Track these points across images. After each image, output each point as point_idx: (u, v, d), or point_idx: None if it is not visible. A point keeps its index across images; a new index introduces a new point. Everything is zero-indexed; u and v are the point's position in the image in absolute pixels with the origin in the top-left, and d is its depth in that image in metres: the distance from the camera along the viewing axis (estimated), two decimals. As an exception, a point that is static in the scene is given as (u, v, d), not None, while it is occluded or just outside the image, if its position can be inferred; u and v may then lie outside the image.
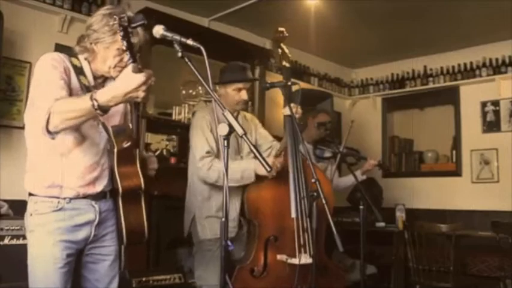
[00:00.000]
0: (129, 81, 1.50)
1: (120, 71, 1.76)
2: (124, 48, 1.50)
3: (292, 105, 2.60)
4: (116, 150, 1.77)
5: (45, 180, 1.76)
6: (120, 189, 1.76)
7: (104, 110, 1.57)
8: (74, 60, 1.83)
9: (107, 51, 1.79)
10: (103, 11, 1.81)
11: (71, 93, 1.75)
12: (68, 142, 1.76)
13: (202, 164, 2.58)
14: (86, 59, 1.85)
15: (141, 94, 1.54)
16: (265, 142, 2.92)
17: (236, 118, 2.74)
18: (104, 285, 1.90)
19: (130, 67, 1.49)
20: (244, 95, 2.74)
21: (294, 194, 2.56)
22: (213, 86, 1.74)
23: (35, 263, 1.75)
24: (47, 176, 1.77)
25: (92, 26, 1.80)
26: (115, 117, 1.90)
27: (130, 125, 1.87)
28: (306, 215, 2.50)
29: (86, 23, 1.84)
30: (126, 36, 1.48)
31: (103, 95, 1.54)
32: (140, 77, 1.49)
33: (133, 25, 1.49)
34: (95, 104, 1.52)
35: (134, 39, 1.59)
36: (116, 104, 1.60)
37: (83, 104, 1.55)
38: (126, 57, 1.52)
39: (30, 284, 1.76)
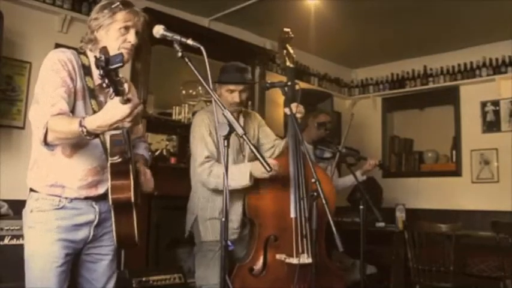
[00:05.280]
0: (114, 112, 1.48)
1: (128, 53, 1.78)
2: (106, 84, 1.43)
3: (294, 104, 2.56)
4: (109, 163, 1.74)
5: (49, 179, 1.76)
6: (110, 201, 1.74)
7: (93, 135, 1.58)
8: (84, 58, 1.82)
9: (108, 34, 1.79)
10: (102, 3, 1.85)
11: (75, 95, 1.75)
12: (70, 143, 1.74)
13: (202, 170, 2.55)
14: (91, 50, 1.84)
15: (126, 124, 1.52)
16: (268, 141, 2.89)
17: (238, 117, 2.75)
18: (101, 284, 1.90)
19: (117, 99, 1.46)
20: (235, 97, 2.64)
21: (294, 194, 2.55)
22: (213, 85, 1.73)
23: (32, 260, 1.75)
24: (51, 174, 1.77)
25: (93, 16, 1.83)
26: None
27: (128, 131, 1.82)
28: (306, 215, 2.49)
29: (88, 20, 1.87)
30: (106, 75, 1.41)
31: (90, 123, 1.53)
32: (125, 109, 1.46)
33: (111, 67, 1.41)
34: (84, 130, 1.53)
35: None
36: (103, 132, 1.59)
37: (73, 127, 1.55)
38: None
39: (27, 281, 1.75)
